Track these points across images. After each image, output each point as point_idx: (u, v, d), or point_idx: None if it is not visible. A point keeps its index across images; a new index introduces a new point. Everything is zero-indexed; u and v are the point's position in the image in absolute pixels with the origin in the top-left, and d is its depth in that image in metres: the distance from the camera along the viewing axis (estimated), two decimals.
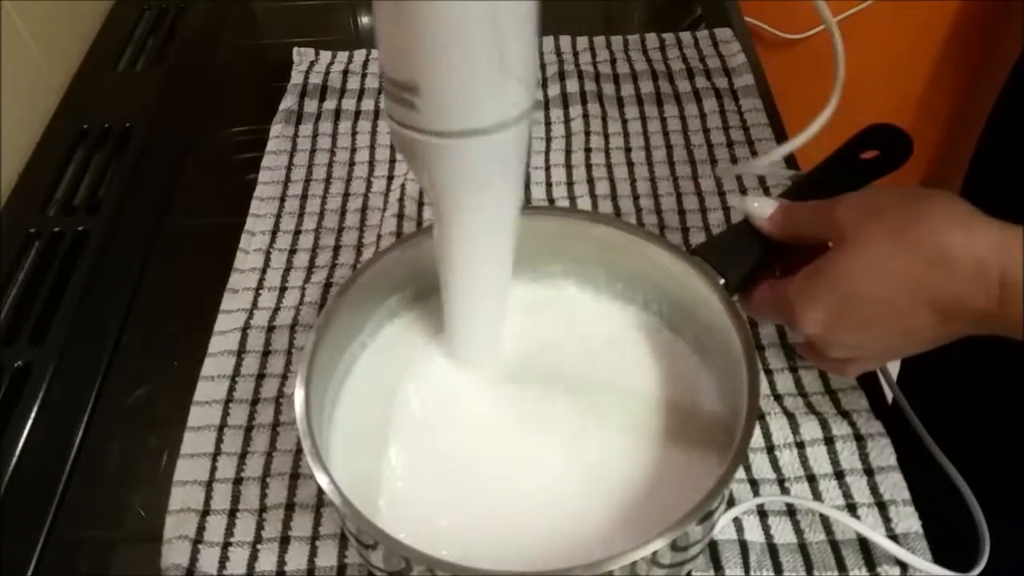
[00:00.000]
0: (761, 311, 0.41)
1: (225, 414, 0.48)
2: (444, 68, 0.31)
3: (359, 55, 0.73)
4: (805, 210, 0.40)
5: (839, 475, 0.44)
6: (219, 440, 0.47)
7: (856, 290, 0.36)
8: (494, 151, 0.34)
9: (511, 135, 0.33)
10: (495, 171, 0.35)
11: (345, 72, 0.71)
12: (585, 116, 0.66)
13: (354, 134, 0.66)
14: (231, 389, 0.50)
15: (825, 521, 0.43)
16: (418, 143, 0.33)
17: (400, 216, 0.58)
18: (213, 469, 0.46)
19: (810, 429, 0.46)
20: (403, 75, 0.31)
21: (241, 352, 0.51)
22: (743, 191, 0.59)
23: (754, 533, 0.42)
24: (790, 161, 0.62)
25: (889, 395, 0.48)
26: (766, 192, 0.59)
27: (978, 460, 0.44)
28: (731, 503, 0.43)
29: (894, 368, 0.48)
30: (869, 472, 0.44)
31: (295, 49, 0.73)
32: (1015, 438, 0.51)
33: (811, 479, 0.44)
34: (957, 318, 0.35)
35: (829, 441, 0.45)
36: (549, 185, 0.61)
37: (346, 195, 0.62)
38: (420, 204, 0.60)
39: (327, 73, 0.71)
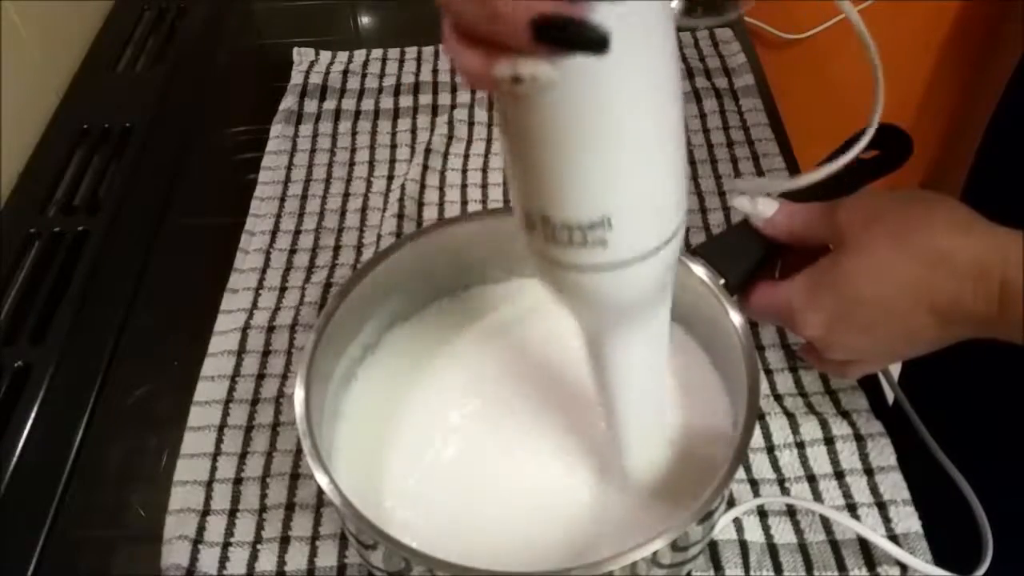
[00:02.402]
0: (761, 314, 0.42)
1: (225, 414, 0.48)
2: (641, 189, 0.27)
3: (359, 55, 0.73)
4: (805, 212, 0.40)
5: (839, 475, 0.44)
6: (219, 440, 0.47)
7: (857, 293, 0.36)
8: (667, 262, 0.30)
9: (676, 242, 0.30)
10: (669, 275, 0.32)
11: (345, 72, 0.71)
12: None
13: (354, 134, 0.66)
14: (231, 389, 0.50)
15: (825, 521, 0.43)
16: (604, 279, 0.29)
17: (400, 216, 0.58)
18: (213, 469, 0.46)
19: (810, 429, 0.46)
20: (593, 213, 0.27)
21: (241, 352, 0.51)
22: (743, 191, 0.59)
23: (754, 533, 0.42)
24: (791, 166, 0.62)
25: (890, 396, 0.48)
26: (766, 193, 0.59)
27: (980, 461, 0.44)
28: (731, 503, 0.43)
29: (895, 369, 0.48)
30: (869, 472, 0.44)
31: (295, 49, 0.73)
32: (1017, 439, 0.51)
33: (811, 479, 0.44)
34: (957, 322, 0.35)
35: (829, 441, 0.45)
36: None
37: (346, 195, 0.62)
38: (420, 204, 0.60)
39: (327, 73, 0.71)
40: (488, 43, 0.23)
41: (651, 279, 0.30)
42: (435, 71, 0.71)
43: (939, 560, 0.41)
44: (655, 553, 0.32)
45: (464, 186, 0.62)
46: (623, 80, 0.25)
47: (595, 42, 0.22)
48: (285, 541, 0.43)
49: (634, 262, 0.29)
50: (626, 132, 0.26)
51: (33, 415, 0.50)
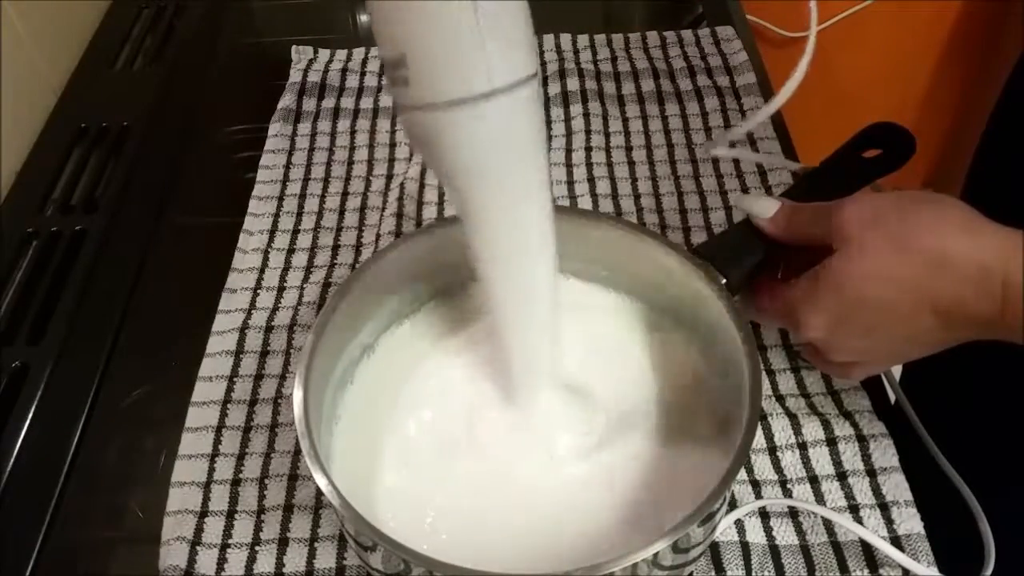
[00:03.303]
0: (763, 315, 0.41)
1: (223, 415, 0.48)
2: (423, 31, 0.30)
3: (358, 53, 0.73)
4: (807, 212, 0.39)
5: (841, 476, 0.44)
6: (217, 441, 0.47)
7: (859, 295, 0.36)
8: (491, 125, 0.32)
9: (505, 106, 0.32)
10: (500, 151, 0.33)
11: (344, 70, 0.71)
12: (586, 115, 0.65)
13: (353, 133, 0.66)
14: (229, 390, 0.49)
15: (827, 522, 0.42)
16: (416, 125, 0.32)
17: (399, 215, 0.58)
18: (211, 470, 0.46)
19: (812, 430, 0.45)
20: (392, 50, 0.31)
21: (239, 352, 0.51)
22: (745, 190, 0.59)
23: (756, 535, 0.42)
24: (788, 151, 0.62)
25: (892, 396, 0.48)
26: (768, 191, 0.58)
27: (981, 463, 0.44)
28: (733, 504, 0.43)
29: (896, 370, 0.48)
30: (871, 473, 0.44)
31: (293, 47, 0.73)
32: (1018, 440, 0.51)
33: (813, 480, 0.44)
34: (960, 323, 0.35)
35: (831, 442, 0.45)
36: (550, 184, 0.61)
37: (345, 194, 0.61)
38: (419, 203, 0.60)
39: (326, 71, 0.71)
40: None
41: (471, 137, 0.32)
42: None
43: (941, 561, 0.41)
44: (656, 554, 0.32)
45: None
46: None
47: None
48: (284, 542, 0.43)
49: (441, 108, 0.31)
50: None
51: (31, 415, 0.50)
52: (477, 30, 0.31)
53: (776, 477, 0.44)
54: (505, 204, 0.35)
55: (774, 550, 0.42)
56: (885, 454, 0.44)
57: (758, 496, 0.43)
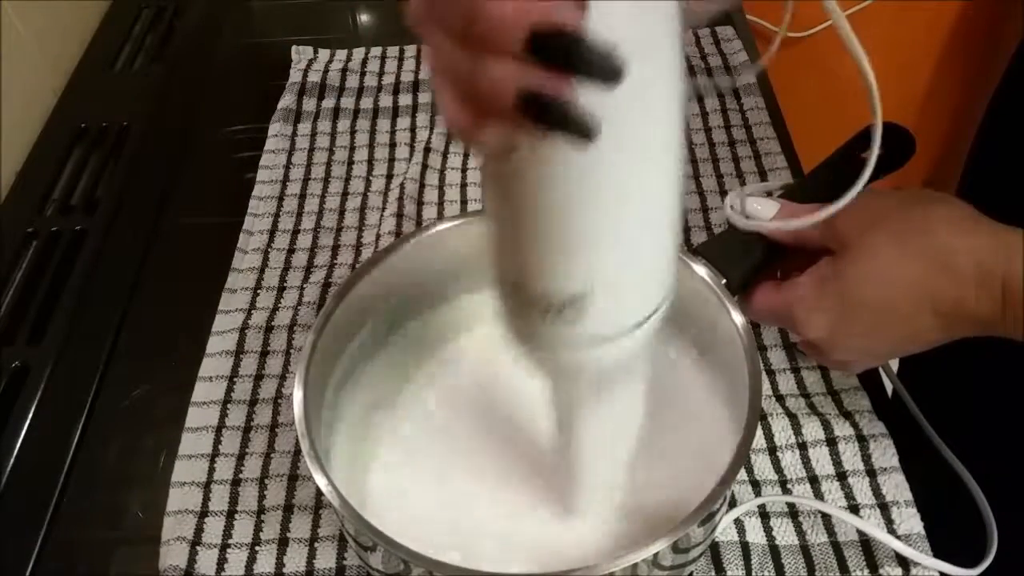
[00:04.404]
0: (763, 316, 0.41)
1: (223, 415, 0.48)
2: (622, 267, 0.25)
3: (358, 53, 0.73)
4: (807, 213, 0.39)
5: (841, 476, 0.44)
6: (217, 441, 0.47)
7: (859, 296, 0.36)
8: (651, 330, 0.28)
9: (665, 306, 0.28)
10: (648, 350, 0.30)
11: (344, 70, 0.71)
12: None
13: (353, 133, 0.66)
14: (229, 390, 0.49)
15: (827, 522, 0.42)
16: (577, 352, 0.28)
17: (399, 215, 0.58)
18: (211, 470, 0.46)
19: (812, 430, 0.45)
20: (569, 287, 0.25)
21: (239, 352, 0.51)
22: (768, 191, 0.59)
23: (756, 534, 0.42)
24: (788, 150, 0.62)
25: (889, 387, 0.48)
26: (767, 193, 0.58)
27: (981, 452, 0.44)
28: (732, 504, 0.42)
29: (894, 361, 0.48)
30: (871, 473, 0.44)
31: (293, 47, 0.73)
32: (1018, 429, 0.51)
33: (813, 480, 0.44)
34: (960, 323, 0.35)
35: (831, 442, 0.45)
36: None
37: (345, 194, 0.61)
38: (419, 203, 0.60)
39: (326, 71, 0.71)
40: (479, 102, 0.22)
41: (629, 354, 0.29)
42: None
43: (941, 554, 0.41)
44: (656, 555, 0.32)
45: (464, 185, 0.61)
46: (613, 162, 0.23)
47: (581, 129, 0.21)
48: (284, 543, 0.43)
49: (612, 338, 0.27)
50: (612, 210, 0.24)
51: (31, 415, 0.50)
52: (663, 266, 0.27)
53: (776, 477, 0.44)
54: (623, 393, 0.32)
55: (774, 550, 0.42)
56: (885, 454, 0.44)
57: (758, 496, 0.43)
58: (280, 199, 0.61)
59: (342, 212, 0.60)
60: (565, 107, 0.21)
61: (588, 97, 0.21)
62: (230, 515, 0.44)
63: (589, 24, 0.20)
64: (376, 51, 0.73)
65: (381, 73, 0.71)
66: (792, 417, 0.46)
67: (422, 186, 0.61)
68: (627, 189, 0.24)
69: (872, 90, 0.31)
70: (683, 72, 0.24)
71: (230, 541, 0.43)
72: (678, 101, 0.24)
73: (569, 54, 0.20)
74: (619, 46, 0.20)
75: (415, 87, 0.69)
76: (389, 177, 0.62)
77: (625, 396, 0.33)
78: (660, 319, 0.29)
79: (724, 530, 0.42)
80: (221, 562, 0.42)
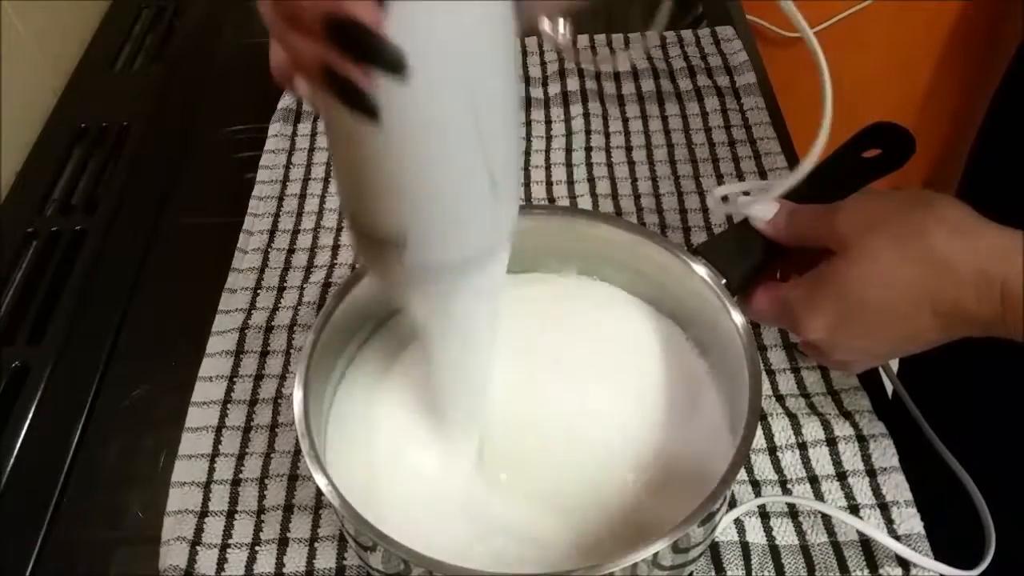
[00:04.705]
0: (763, 316, 0.41)
1: (223, 415, 0.48)
2: (428, 205, 0.29)
3: None
4: (807, 214, 0.39)
5: (841, 476, 0.44)
6: (217, 441, 0.47)
7: (859, 297, 0.36)
8: (483, 283, 0.33)
9: (499, 261, 0.33)
10: (483, 305, 0.34)
11: None
12: (586, 115, 0.65)
13: None
14: (229, 390, 0.49)
15: (827, 522, 0.42)
16: (419, 288, 0.32)
17: None
18: (211, 470, 0.46)
19: (812, 430, 0.45)
20: (388, 226, 0.30)
21: (239, 352, 0.51)
22: (745, 191, 0.59)
23: (756, 534, 0.42)
24: (788, 150, 0.62)
25: (889, 388, 0.48)
26: (745, 192, 0.58)
27: (980, 453, 0.44)
28: (732, 504, 0.43)
29: (894, 361, 0.48)
30: (871, 473, 0.44)
31: None
32: (1017, 430, 0.51)
33: (813, 480, 0.44)
34: (960, 324, 0.35)
35: (831, 442, 0.45)
36: (550, 184, 0.61)
37: None
38: None
39: None
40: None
41: (453, 287, 0.32)
42: None
43: (939, 555, 0.41)
44: (656, 554, 0.32)
45: None
46: (405, 132, 0.26)
47: (366, 108, 0.25)
48: (284, 543, 0.43)
49: (430, 270, 0.31)
50: (417, 168, 0.28)
51: (31, 415, 0.50)
52: (493, 190, 0.30)
53: (776, 477, 0.44)
54: (478, 336, 0.37)
55: (774, 550, 0.42)
56: (885, 454, 0.44)
57: (758, 496, 0.43)
58: (280, 199, 0.61)
59: (342, 212, 0.60)
60: (351, 86, 0.24)
61: (378, 86, 0.24)
62: (230, 515, 0.44)
63: (384, 17, 0.23)
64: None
65: None
66: (792, 417, 0.46)
67: None
68: (419, 161, 0.27)
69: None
70: (502, 65, 0.27)
71: (230, 541, 0.43)
72: (486, 97, 0.27)
73: (356, 43, 0.23)
74: (411, 43, 0.23)
75: None
76: None
77: (470, 333, 0.36)
78: (487, 264, 0.32)
79: (724, 530, 0.42)
80: (221, 562, 0.42)
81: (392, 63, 0.24)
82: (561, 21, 0.36)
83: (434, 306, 0.34)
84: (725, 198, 0.44)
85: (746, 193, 0.42)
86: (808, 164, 0.37)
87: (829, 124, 0.36)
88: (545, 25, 0.36)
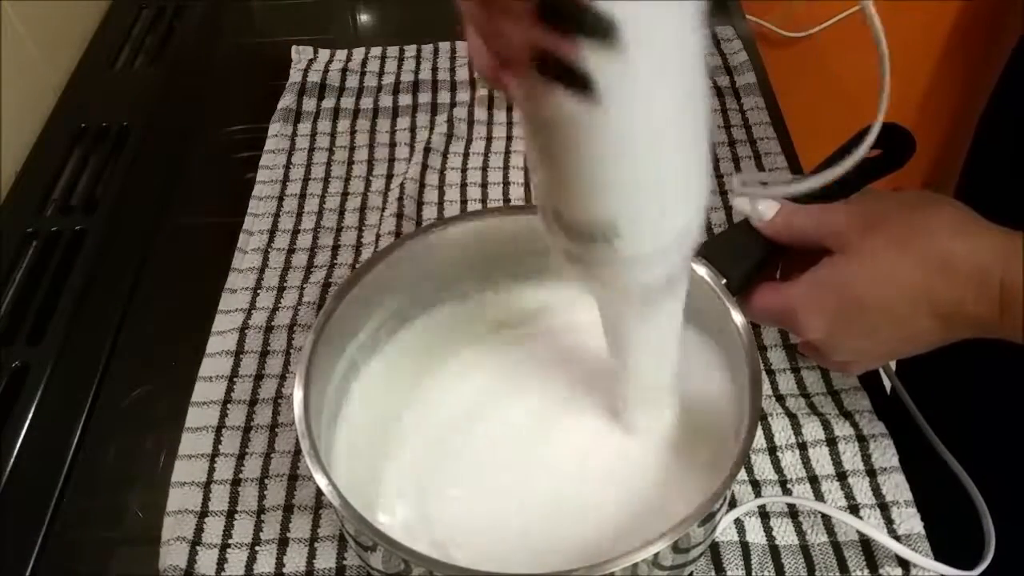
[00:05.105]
0: (763, 316, 0.41)
1: (223, 415, 0.48)
2: (644, 200, 0.29)
3: (358, 53, 0.73)
4: (807, 214, 0.39)
5: (841, 476, 0.44)
6: (217, 441, 0.47)
7: (859, 298, 0.36)
8: (682, 252, 0.32)
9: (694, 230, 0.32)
10: (679, 271, 0.33)
11: (344, 70, 0.71)
12: None
13: (353, 133, 0.66)
14: (229, 390, 0.49)
15: (827, 522, 0.42)
16: (612, 272, 0.31)
17: (399, 216, 0.58)
18: (211, 470, 0.46)
19: (812, 430, 0.45)
20: (600, 216, 0.29)
21: (239, 353, 0.51)
22: (763, 181, 0.59)
23: (756, 534, 0.42)
24: (788, 150, 0.62)
25: (889, 387, 0.48)
26: (762, 183, 0.58)
27: (980, 454, 0.44)
28: (733, 504, 0.43)
29: (893, 361, 0.48)
30: (871, 473, 0.44)
31: (294, 47, 0.73)
32: (1017, 429, 0.51)
33: (813, 480, 0.44)
34: (959, 325, 0.35)
35: (831, 442, 0.45)
36: None
37: (345, 194, 0.61)
38: (419, 204, 0.60)
39: (326, 71, 0.71)
40: (499, 55, 0.25)
41: (659, 274, 0.32)
42: (435, 69, 0.71)
43: (939, 555, 0.41)
44: (656, 554, 0.32)
45: (464, 185, 0.61)
46: (620, 116, 0.26)
47: (583, 85, 0.24)
48: (284, 543, 0.43)
49: (640, 259, 0.30)
50: (631, 158, 0.27)
51: (31, 415, 0.50)
52: (686, 196, 0.30)
53: (776, 477, 0.44)
54: (662, 306, 0.35)
55: (774, 550, 0.42)
56: (885, 454, 0.44)
57: (758, 496, 0.43)
58: (280, 199, 0.61)
59: (342, 212, 0.60)
60: (564, 63, 0.24)
61: (592, 60, 0.24)
62: (230, 515, 0.44)
63: None
64: (376, 51, 0.73)
65: (381, 73, 0.71)
66: (792, 417, 0.46)
67: (422, 186, 0.61)
68: (636, 140, 0.27)
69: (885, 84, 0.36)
70: (699, 49, 0.28)
71: (230, 541, 0.43)
72: (689, 69, 0.28)
73: (564, 15, 0.23)
74: (620, 13, 0.23)
75: (415, 87, 0.69)
76: (389, 177, 0.62)
77: (664, 315, 0.35)
78: (687, 245, 0.32)
79: (724, 530, 0.42)
80: (221, 562, 0.42)
81: (603, 30, 0.23)
82: None
83: (637, 296, 0.33)
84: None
85: (764, 183, 0.41)
86: (850, 162, 0.36)
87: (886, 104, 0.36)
88: None
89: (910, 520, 0.42)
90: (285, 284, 0.55)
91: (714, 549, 0.42)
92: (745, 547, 0.42)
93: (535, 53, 0.24)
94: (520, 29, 0.24)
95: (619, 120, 0.26)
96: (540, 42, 0.24)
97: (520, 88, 0.26)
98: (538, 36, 0.23)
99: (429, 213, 0.59)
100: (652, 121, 0.27)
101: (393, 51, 0.73)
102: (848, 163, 0.36)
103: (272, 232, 0.59)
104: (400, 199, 0.59)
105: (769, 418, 0.46)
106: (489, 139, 0.65)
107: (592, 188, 0.28)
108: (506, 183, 0.61)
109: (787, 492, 0.44)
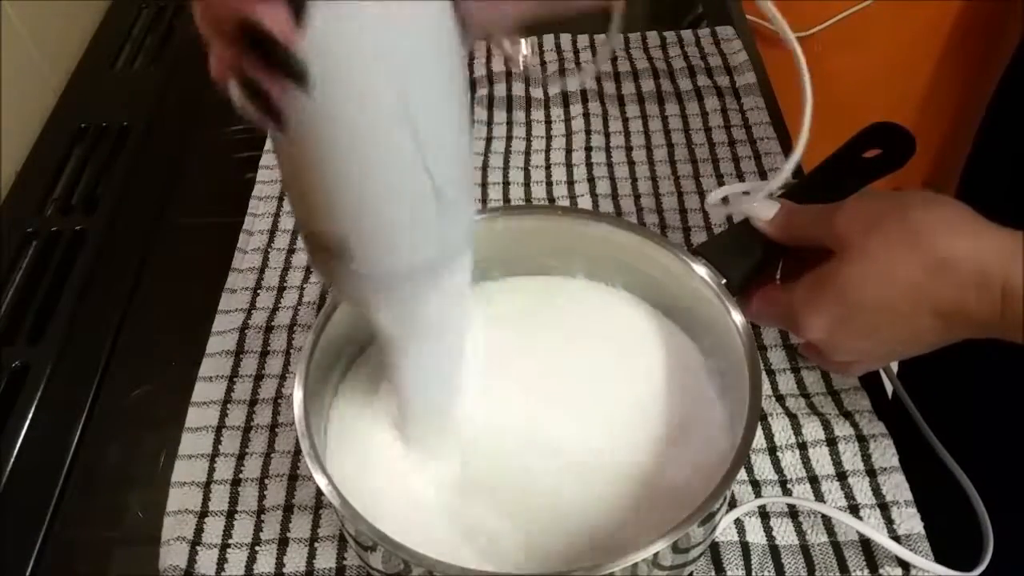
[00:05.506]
0: (763, 317, 0.41)
1: (223, 415, 0.48)
2: (374, 215, 0.29)
3: None
4: (807, 214, 0.39)
5: (841, 476, 0.44)
6: (217, 441, 0.47)
7: (859, 298, 0.36)
8: (436, 293, 0.32)
9: (456, 271, 0.32)
10: (442, 313, 0.34)
11: None
12: (586, 115, 0.65)
13: None
14: (229, 390, 0.49)
15: (827, 522, 0.42)
16: (356, 289, 0.32)
17: None
18: (211, 470, 0.46)
19: (812, 430, 0.45)
20: (332, 231, 0.30)
21: (239, 353, 0.51)
22: (744, 191, 0.59)
23: (756, 535, 0.42)
24: (788, 151, 0.62)
25: (889, 388, 0.48)
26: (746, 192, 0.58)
27: (979, 455, 0.44)
28: (733, 504, 0.43)
29: (894, 362, 0.48)
30: (871, 473, 0.44)
31: None
32: (1017, 430, 0.51)
33: (813, 480, 0.44)
34: (960, 325, 0.35)
35: (831, 442, 0.45)
36: (550, 184, 0.61)
37: None
38: None
39: None
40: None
41: (404, 298, 0.32)
42: None
43: (938, 556, 0.41)
44: (656, 554, 0.32)
45: None
46: (332, 142, 0.27)
47: (277, 118, 0.25)
48: (284, 543, 0.43)
49: (375, 279, 0.31)
50: (343, 175, 0.28)
51: (31, 415, 0.50)
52: (439, 199, 0.30)
53: (776, 477, 0.44)
54: (445, 347, 0.37)
55: (774, 550, 0.42)
56: (885, 454, 0.44)
57: (758, 496, 0.43)
58: (280, 199, 0.61)
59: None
60: (261, 93, 0.24)
61: (284, 96, 0.24)
62: (230, 515, 0.44)
63: (296, 28, 0.23)
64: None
65: None
66: (792, 417, 0.46)
67: None
68: (345, 162, 0.27)
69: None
70: (436, 75, 0.27)
71: (230, 541, 0.43)
72: (429, 96, 0.27)
73: (262, 51, 0.23)
74: (324, 53, 0.24)
75: None
76: None
77: (426, 344, 0.36)
78: (433, 280, 0.32)
79: (724, 530, 0.42)
80: (221, 562, 0.42)
81: (296, 74, 0.24)
82: (511, 37, 0.35)
83: (389, 313, 0.34)
84: (725, 199, 0.44)
85: (746, 193, 0.42)
86: (796, 154, 0.37)
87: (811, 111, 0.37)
88: (498, 39, 0.36)
89: (910, 520, 0.42)
90: (285, 284, 0.55)
91: (714, 549, 0.42)
92: (745, 547, 0.42)
93: (238, 73, 0.24)
94: (228, 48, 0.24)
95: (317, 151, 0.27)
96: (241, 65, 0.24)
97: (237, 98, 0.26)
98: (240, 59, 0.24)
99: None
100: (359, 155, 0.27)
101: None
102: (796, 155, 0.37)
103: (272, 232, 0.59)
104: None
105: (769, 418, 0.46)
106: (489, 139, 0.65)
107: (318, 207, 0.29)
108: (506, 183, 0.61)
109: (787, 492, 0.44)
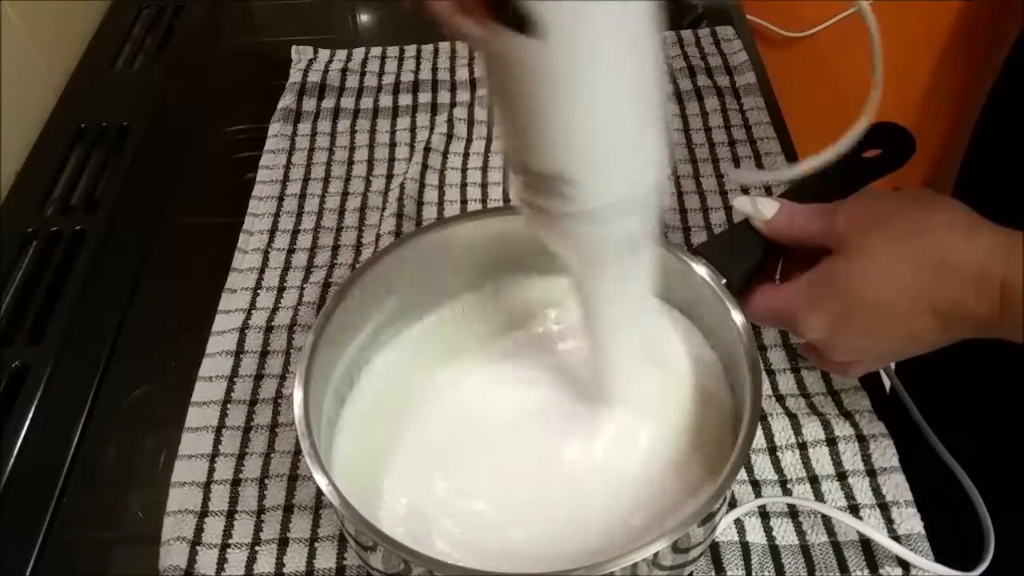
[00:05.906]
0: (763, 317, 0.41)
1: (223, 415, 0.48)
2: (596, 152, 0.30)
3: (358, 53, 0.73)
4: (807, 214, 0.39)
5: (841, 476, 0.44)
6: (217, 441, 0.47)
7: (858, 297, 0.36)
8: (639, 215, 0.33)
9: (653, 204, 0.33)
10: (639, 233, 0.34)
11: (344, 70, 0.71)
12: None
13: (353, 133, 0.66)
14: (229, 390, 0.49)
15: (827, 522, 0.42)
16: (569, 225, 0.32)
17: (399, 215, 0.58)
18: (211, 470, 0.46)
19: (812, 430, 0.45)
20: (552, 166, 0.30)
21: (239, 353, 0.51)
22: (745, 191, 0.59)
23: (756, 534, 0.42)
24: (788, 150, 0.62)
25: (887, 384, 0.48)
26: (768, 191, 0.58)
27: (979, 454, 0.44)
28: (733, 504, 0.43)
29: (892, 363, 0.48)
30: (871, 473, 0.44)
31: (294, 47, 0.73)
32: (1017, 429, 0.51)
33: (813, 480, 0.44)
34: (959, 324, 0.35)
35: (831, 442, 0.45)
36: None
37: (345, 194, 0.61)
38: (419, 203, 0.60)
39: (326, 71, 0.71)
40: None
41: (617, 231, 0.33)
42: (435, 69, 0.71)
43: (939, 556, 0.41)
44: (656, 554, 0.32)
45: (464, 185, 0.61)
46: (568, 64, 0.27)
47: (527, 27, 0.25)
48: (284, 543, 0.43)
49: (596, 214, 0.32)
50: (580, 102, 0.28)
51: (31, 415, 0.50)
52: (637, 155, 0.31)
53: (776, 477, 0.44)
54: (624, 269, 0.36)
55: (774, 550, 0.42)
56: (885, 454, 0.44)
57: (758, 496, 0.43)
58: (280, 199, 0.61)
59: (342, 212, 0.60)
60: (517, 6, 0.25)
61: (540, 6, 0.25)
62: (230, 515, 0.44)
63: None
64: (376, 51, 0.73)
65: (381, 73, 0.71)
66: (792, 417, 0.46)
67: (422, 186, 0.61)
68: (584, 85, 0.28)
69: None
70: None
71: (230, 541, 0.43)
72: (638, 23, 0.28)
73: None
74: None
75: (415, 87, 0.69)
76: (389, 177, 0.62)
77: (628, 281, 0.37)
78: (644, 204, 0.33)
79: (724, 530, 0.42)
80: (221, 562, 0.42)
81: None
82: None
83: (592, 250, 0.34)
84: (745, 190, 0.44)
85: (745, 191, 0.42)
86: (843, 145, 0.38)
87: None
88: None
89: (910, 520, 0.42)
90: (285, 284, 0.55)
91: (714, 549, 0.42)
92: (745, 547, 0.42)
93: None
94: None
95: (566, 63, 0.27)
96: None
97: (476, 31, 0.27)
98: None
99: (429, 213, 0.59)
100: (600, 67, 0.28)
101: (393, 51, 0.73)
102: (841, 146, 0.37)
103: (272, 232, 0.59)
104: (400, 199, 0.59)
105: (769, 418, 0.46)
106: (489, 139, 0.65)
107: (545, 135, 0.30)
108: (506, 183, 0.61)
109: (787, 492, 0.44)
